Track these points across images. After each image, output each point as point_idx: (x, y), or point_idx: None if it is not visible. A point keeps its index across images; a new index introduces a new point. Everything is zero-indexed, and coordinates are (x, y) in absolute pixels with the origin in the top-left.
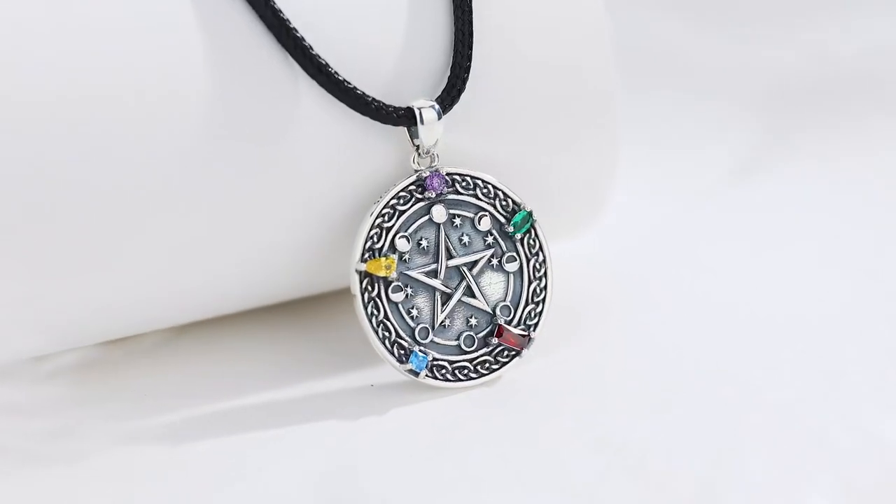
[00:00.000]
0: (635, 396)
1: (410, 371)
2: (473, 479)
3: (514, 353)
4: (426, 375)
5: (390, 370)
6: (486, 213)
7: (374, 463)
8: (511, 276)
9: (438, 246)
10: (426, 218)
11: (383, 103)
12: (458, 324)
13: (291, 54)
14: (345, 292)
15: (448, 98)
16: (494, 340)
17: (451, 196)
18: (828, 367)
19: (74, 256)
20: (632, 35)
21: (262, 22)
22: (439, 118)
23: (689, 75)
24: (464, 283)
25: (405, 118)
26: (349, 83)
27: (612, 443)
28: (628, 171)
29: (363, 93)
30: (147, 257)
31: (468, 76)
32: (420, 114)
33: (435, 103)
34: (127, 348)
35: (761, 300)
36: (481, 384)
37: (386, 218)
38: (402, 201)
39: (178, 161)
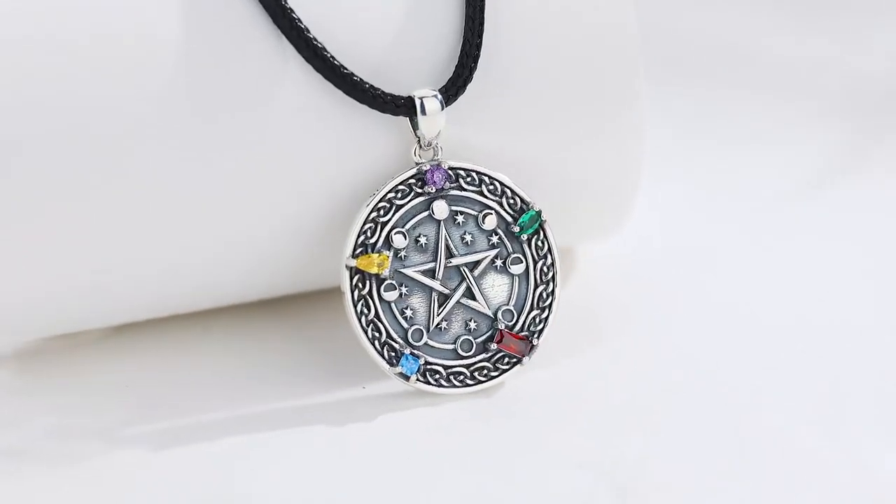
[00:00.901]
0: (634, 412)
1: (401, 374)
2: (455, 491)
3: (514, 360)
4: (417, 380)
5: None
6: (492, 212)
7: (358, 471)
8: (516, 279)
9: (438, 244)
10: (426, 214)
11: (382, 91)
12: (456, 327)
13: (287, 36)
14: (337, 290)
15: (453, 88)
16: (494, 346)
17: (453, 192)
18: (839, 392)
19: (28, 240)
20: (698, 28)
21: (257, 1)
22: (442, 109)
23: (754, 72)
24: (464, 285)
25: (405, 108)
26: (346, 68)
27: (602, 460)
28: (680, 170)
29: (360, 79)
30: (111, 242)
31: (476, 66)
32: (422, 104)
33: (438, 93)
34: (82, 339)
35: (792, 318)
36: (479, 391)
37: (382, 212)
38: (399, 195)
39: (155, 142)
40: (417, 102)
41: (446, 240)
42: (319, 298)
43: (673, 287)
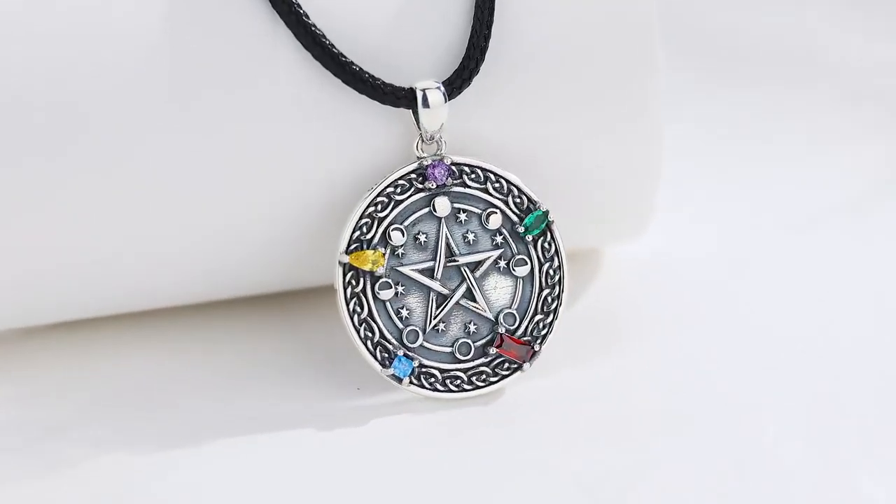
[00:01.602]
0: (634, 422)
1: (393, 377)
2: (445, 500)
3: (515, 366)
4: (411, 382)
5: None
6: (497, 210)
7: (347, 477)
8: (520, 282)
9: (438, 242)
10: (426, 210)
11: (382, 81)
12: (455, 329)
13: (285, 21)
14: (332, 287)
15: (458, 80)
16: (493, 350)
17: (456, 188)
18: (845, 421)
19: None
20: (735, 22)
21: None
22: (445, 101)
23: (794, 71)
24: (464, 285)
25: (406, 99)
26: (345, 56)
27: (590, 477)
28: (712, 171)
29: (360, 68)
30: (98, 232)
31: (483, 57)
32: (423, 96)
33: (441, 85)
34: (64, 331)
35: (816, 340)
36: (476, 397)
37: (379, 207)
38: (399, 190)
39: (146, 131)
40: (419, 94)
41: (447, 238)
42: (316, 296)
43: (693, 295)
